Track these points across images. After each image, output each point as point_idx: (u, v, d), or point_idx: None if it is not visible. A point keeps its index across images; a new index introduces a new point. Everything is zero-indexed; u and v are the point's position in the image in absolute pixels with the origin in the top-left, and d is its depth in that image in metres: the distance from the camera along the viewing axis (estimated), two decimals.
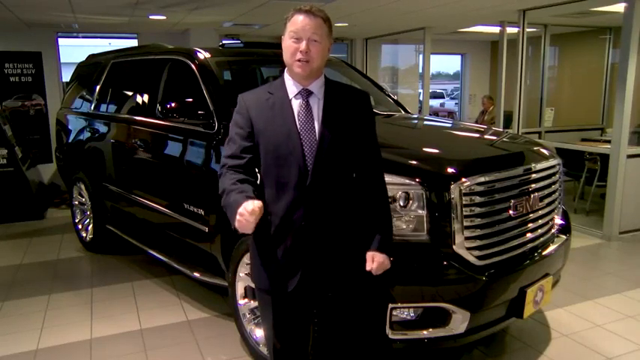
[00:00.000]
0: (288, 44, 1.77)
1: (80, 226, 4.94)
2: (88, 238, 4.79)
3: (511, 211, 2.49)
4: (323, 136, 1.76)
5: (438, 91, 23.40)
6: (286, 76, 1.85)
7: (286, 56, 1.78)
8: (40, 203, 6.14)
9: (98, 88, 4.62)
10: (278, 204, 1.78)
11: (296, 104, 1.80)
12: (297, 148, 1.75)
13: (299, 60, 1.74)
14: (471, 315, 2.34)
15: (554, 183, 2.82)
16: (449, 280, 2.33)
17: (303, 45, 1.73)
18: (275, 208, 1.79)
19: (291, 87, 1.82)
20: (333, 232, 1.81)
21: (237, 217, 1.60)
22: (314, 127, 1.78)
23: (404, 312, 2.34)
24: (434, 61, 10.32)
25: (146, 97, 3.88)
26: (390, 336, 2.33)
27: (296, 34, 1.74)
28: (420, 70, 9.16)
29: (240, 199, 1.65)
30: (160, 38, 7.11)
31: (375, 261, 1.83)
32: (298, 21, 1.75)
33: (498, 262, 2.44)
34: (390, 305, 2.29)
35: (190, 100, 3.14)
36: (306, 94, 1.81)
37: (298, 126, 1.77)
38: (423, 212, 2.31)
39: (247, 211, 1.58)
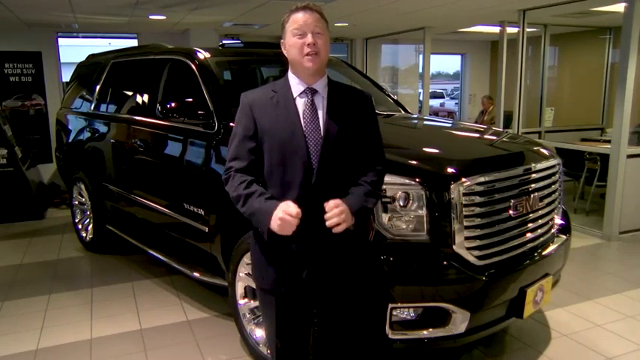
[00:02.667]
0: (293, 42, 1.77)
1: (80, 226, 4.94)
2: (88, 238, 4.79)
3: (511, 211, 2.49)
4: (328, 133, 1.77)
5: (438, 91, 23.40)
6: (290, 75, 1.85)
7: (293, 54, 1.78)
8: (40, 203, 6.14)
9: (98, 88, 4.62)
10: None
11: (300, 103, 1.80)
12: (302, 147, 1.75)
13: (308, 54, 1.74)
14: (470, 315, 2.34)
15: (554, 183, 2.82)
16: (449, 280, 2.33)
17: (309, 38, 1.74)
18: None
19: (296, 86, 1.82)
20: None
21: (279, 221, 1.65)
22: (319, 126, 1.78)
23: (404, 312, 2.34)
24: (434, 61, 10.32)
25: (146, 97, 3.88)
26: (390, 336, 2.33)
27: (299, 30, 1.75)
28: (420, 70, 9.16)
29: (271, 204, 1.70)
30: (160, 38, 7.10)
31: (337, 206, 1.69)
32: (299, 18, 1.76)
33: (498, 262, 2.45)
34: (390, 305, 2.29)
35: (190, 100, 3.14)
36: (310, 92, 1.81)
37: (303, 124, 1.77)
38: (423, 212, 2.31)
39: (292, 214, 1.64)
